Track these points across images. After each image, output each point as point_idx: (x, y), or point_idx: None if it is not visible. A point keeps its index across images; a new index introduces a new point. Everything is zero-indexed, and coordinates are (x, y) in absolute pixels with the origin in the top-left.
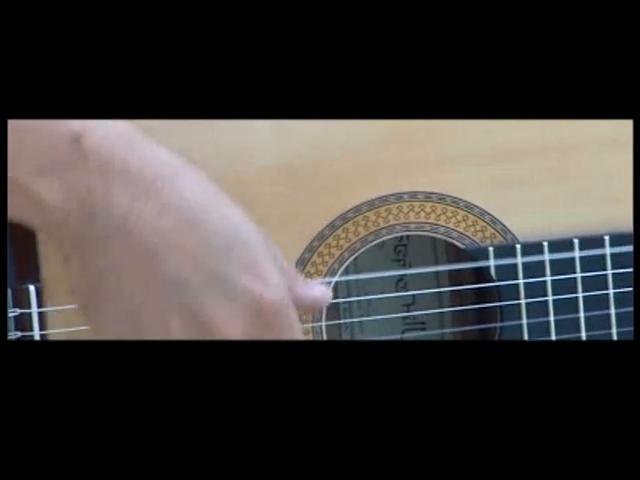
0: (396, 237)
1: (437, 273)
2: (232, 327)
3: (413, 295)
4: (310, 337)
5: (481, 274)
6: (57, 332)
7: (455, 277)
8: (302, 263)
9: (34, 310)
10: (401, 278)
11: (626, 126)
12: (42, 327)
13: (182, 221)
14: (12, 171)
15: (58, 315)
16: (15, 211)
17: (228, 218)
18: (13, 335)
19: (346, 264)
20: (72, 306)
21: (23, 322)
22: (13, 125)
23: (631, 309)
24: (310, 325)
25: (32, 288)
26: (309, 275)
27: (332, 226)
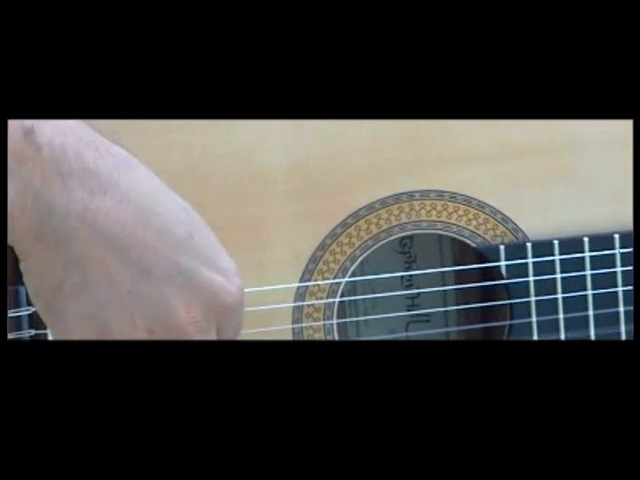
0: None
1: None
2: (195, 318)
3: (417, 287)
4: (321, 334)
5: (489, 272)
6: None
7: (461, 273)
8: (314, 261)
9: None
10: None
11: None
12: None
13: (141, 211)
14: None
15: None
16: None
17: (184, 208)
18: (27, 333)
19: (358, 262)
20: None
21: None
22: None
23: None
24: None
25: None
26: (321, 273)
27: (344, 224)
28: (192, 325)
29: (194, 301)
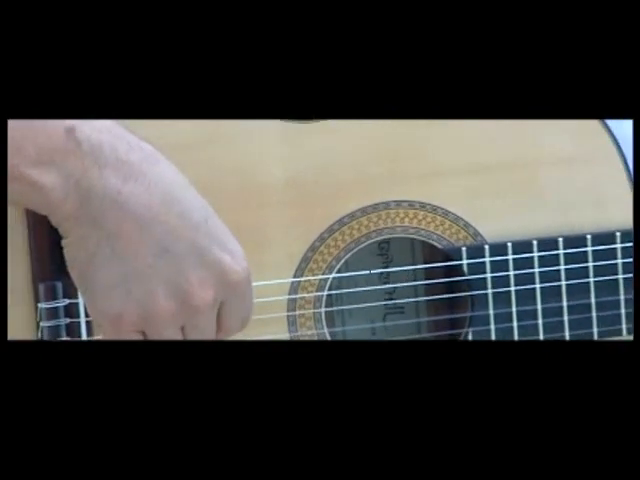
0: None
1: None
2: (205, 291)
3: (393, 283)
4: (312, 322)
5: (454, 270)
6: None
7: (430, 271)
8: (306, 260)
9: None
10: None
11: (580, 142)
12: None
13: (166, 197)
14: (12, 161)
15: None
16: (16, 196)
17: (198, 197)
18: (63, 322)
19: (342, 261)
20: None
21: (71, 312)
22: (10, 124)
23: (581, 301)
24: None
25: None
26: (311, 270)
27: (331, 229)
28: (202, 299)
29: (206, 277)
